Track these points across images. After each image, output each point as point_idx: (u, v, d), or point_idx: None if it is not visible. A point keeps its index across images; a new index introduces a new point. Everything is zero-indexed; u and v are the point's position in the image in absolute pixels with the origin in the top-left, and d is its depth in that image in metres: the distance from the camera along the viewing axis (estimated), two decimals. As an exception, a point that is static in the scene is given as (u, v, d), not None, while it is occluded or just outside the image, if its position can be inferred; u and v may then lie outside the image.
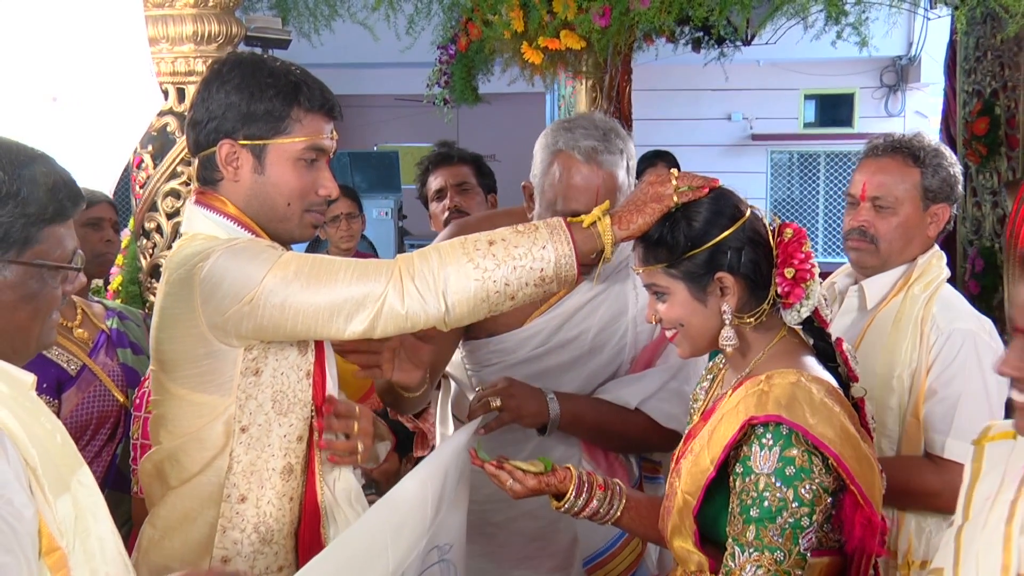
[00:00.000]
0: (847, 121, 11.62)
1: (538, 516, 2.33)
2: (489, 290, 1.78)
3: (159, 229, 3.44)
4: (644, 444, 2.41)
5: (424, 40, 5.37)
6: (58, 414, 2.64)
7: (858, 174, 2.39)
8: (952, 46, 4.93)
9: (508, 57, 4.67)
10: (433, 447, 2.60)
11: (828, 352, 1.83)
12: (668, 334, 1.86)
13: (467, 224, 2.39)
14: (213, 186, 1.91)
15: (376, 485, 3.05)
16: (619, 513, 1.94)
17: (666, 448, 2.19)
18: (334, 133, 1.93)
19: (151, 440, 1.97)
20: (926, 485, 2.22)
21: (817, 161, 12.05)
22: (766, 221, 1.82)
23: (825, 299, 1.83)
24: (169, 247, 3.29)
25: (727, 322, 1.77)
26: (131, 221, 3.57)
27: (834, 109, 11.73)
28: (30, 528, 1.30)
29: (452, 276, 1.77)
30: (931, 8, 4.68)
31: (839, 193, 11.56)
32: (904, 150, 2.34)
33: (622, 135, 2.23)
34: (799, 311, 1.77)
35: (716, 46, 5.34)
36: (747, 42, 5.16)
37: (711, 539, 1.75)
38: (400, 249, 8.75)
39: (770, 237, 1.79)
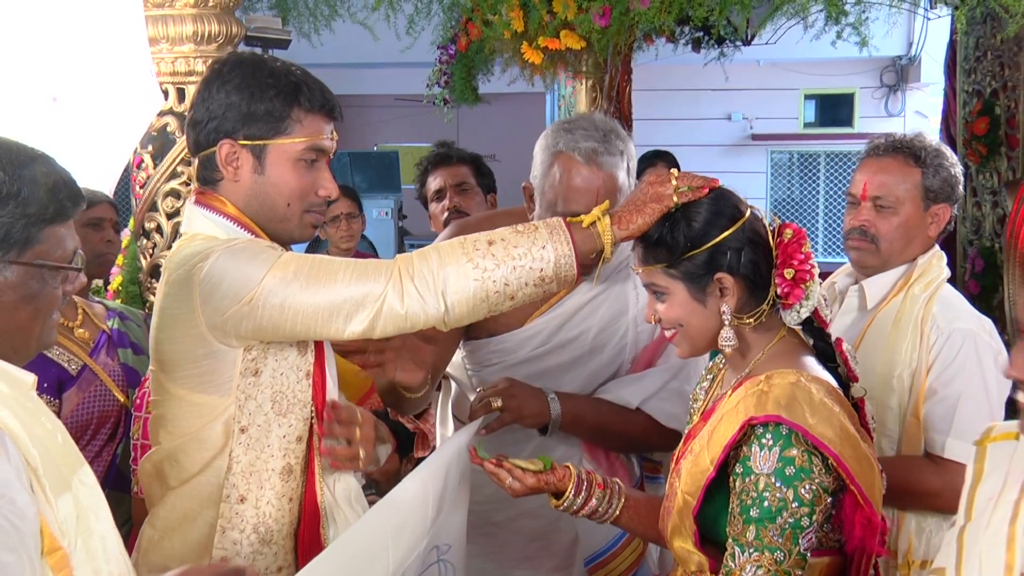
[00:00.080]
0: (847, 121, 11.61)
1: (539, 516, 2.33)
2: (488, 290, 1.78)
3: (159, 229, 3.44)
4: (645, 444, 2.41)
5: (424, 40, 5.37)
6: (59, 414, 2.65)
7: (859, 174, 2.39)
8: (952, 46, 4.92)
9: (508, 57, 4.67)
10: (434, 448, 2.60)
11: (828, 352, 1.83)
12: (667, 334, 1.86)
13: (467, 224, 2.39)
14: (213, 186, 1.91)
15: (376, 485, 3.05)
16: (618, 512, 1.94)
17: (667, 448, 2.19)
18: (334, 134, 1.93)
19: (151, 440, 1.97)
20: (926, 485, 2.22)
21: (817, 161, 12.05)
22: (766, 221, 1.82)
23: (825, 299, 1.83)
24: (169, 247, 3.29)
25: (726, 323, 1.77)
26: (131, 221, 3.57)
27: (834, 109, 11.73)
28: (32, 527, 1.30)
29: (451, 276, 1.77)
30: (931, 8, 4.67)
31: (839, 193, 11.57)
32: (905, 150, 2.35)
33: (622, 136, 2.23)
34: (799, 312, 1.77)
35: (716, 46, 5.33)
36: (747, 42, 5.15)
37: (711, 539, 1.75)
38: (400, 249, 8.74)
39: (770, 238, 1.79)
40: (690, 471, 1.76)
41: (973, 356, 2.23)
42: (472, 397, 2.31)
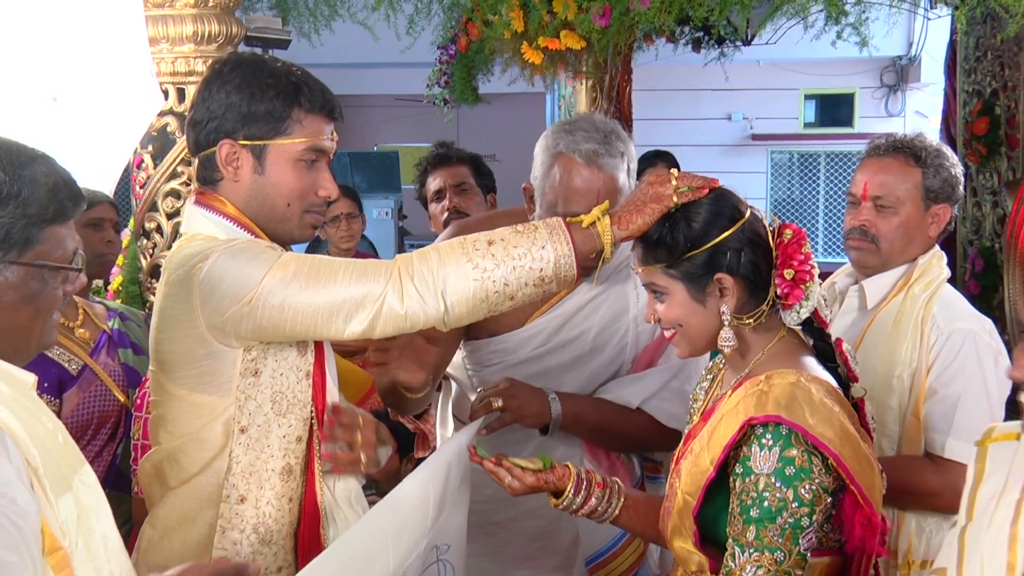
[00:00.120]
0: (847, 121, 11.61)
1: (540, 515, 2.33)
2: (488, 290, 1.78)
3: (159, 229, 3.44)
4: (646, 444, 2.41)
5: (424, 40, 5.36)
6: (59, 414, 2.65)
7: (859, 173, 2.39)
8: (952, 46, 4.92)
9: (508, 57, 4.67)
10: (434, 448, 2.60)
11: (828, 352, 1.83)
12: (667, 334, 1.86)
13: (468, 225, 2.39)
14: (213, 186, 1.91)
15: (376, 485, 3.04)
16: (617, 511, 1.94)
17: (668, 447, 2.19)
18: (334, 134, 1.94)
19: (150, 441, 1.97)
20: (926, 485, 2.23)
21: (817, 161, 12.05)
22: (766, 222, 1.81)
23: (825, 300, 1.83)
24: (169, 247, 3.29)
25: (726, 323, 1.77)
26: (131, 221, 3.57)
27: (834, 109, 11.72)
28: (33, 527, 1.30)
29: (451, 276, 1.77)
30: (931, 8, 4.67)
31: (839, 193, 11.56)
32: (906, 150, 2.35)
33: (623, 137, 2.23)
34: (798, 312, 1.77)
35: (716, 46, 5.33)
36: (747, 42, 5.15)
37: (711, 539, 1.75)
38: (400, 249, 8.74)
39: (770, 238, 1.79)
40: (690, 471, 1.76)
41: (973, 356, 2.23)
42: (473, 397, 2.31)
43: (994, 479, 1.47)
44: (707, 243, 1.76)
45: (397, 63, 6.58)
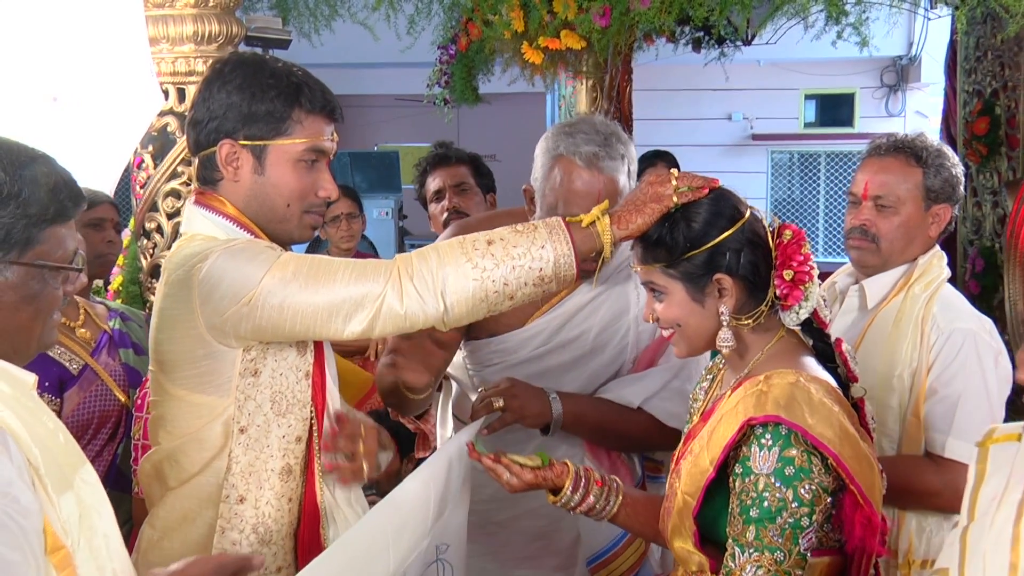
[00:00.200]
0: (847, 121, 11.61)
1: (541, 515, 2.33)
2: (488, 290, 1.78)
3: (159, 229, 3.44)
4: (647, 443, 2.41)
5: (424, 40, 5.36)
6: (60, 413, 2.66)
7: (860, 173, 2.40)
8: (952, 46, 4.92)
9: (508, 57, 4.67)
10: (434, 448, 2.60)
11: (827, 353, 1.83)
12: (665, 333, 1.86)
13: (468, 225, 2.39)
14: (213, 186, 1.91)
15: (376, 485, 3.04)
16: (615, 509, 1.94)
17: (669, 447, 2.19)
18: (335, 135, 1.94)
19: (150, 441, 1.97)
20: (927, 484, 2.23)
21: (817, 161, 12.05)
22: (765, 222, 1.81)
23: (824, 300, 1.83)
24: (170, 247, 3.29)
25: (724, 323, 1.77)
26: (132, 221, 3.57)
27: (834, 109, 11.72)
28: (36, 525, 1.31)
29: (451, 276, 1.77)
30: (931, 8, 4.67)
31: (840, 193, 11.56)
32: (907, 150, 2.35)
33: (623, 139, 2.23)
34: (797, 313, 1.77)
35: (716, 46, 5.33)
36: (747, 42, 5.15)
37: (711, 539, 1.75)
38: (400, 249, 8.74)
39: (769, 239, 1.78)
40: (690, 472, 1.76)
41: (973, 356, 2.23)
42: (473, 397, 2.31)
43: (995, 480, 1.47)
44: (707, 243, 1.76)
45: (397, 63, 6.58)
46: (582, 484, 1.92)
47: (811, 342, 1.84)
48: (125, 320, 2.99)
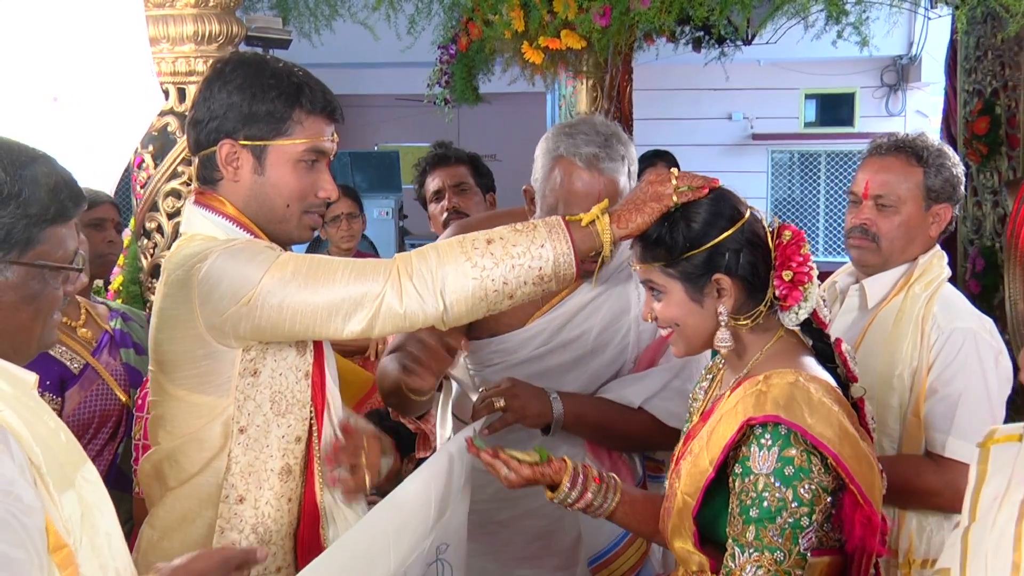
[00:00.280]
0: (848, 121, 11.60)
1: (542, 515, 2.33)
2: (487, 289, 1.78)
3: (160, 229, 3.44)
4: (648, 443, 2.41)
5: (424, 40, 5.36)
6: (60, 412, 2.66)
7: (861, 172, 2.40)
8: (953, 45, 4.92)
9: (509, 57, 4.66)
10: (434, 448, 2.60)
11: (827, 353, 1.82)
12: (663, 332, 1.86)
13: (469, 225, 2.40)
14: (212, 186, 1.91)
15: (377, 486, 3.04)
16: (613, 507, 1.94)
17: (670, 447, 2.19)
18: (335, 135, 1.93)
19: (150, 441, 1.97)
20: (927, 484, 2.23)
21: (818, 161, 12.04)
22: (765, 222, 1.81)
23: (824, 300, 1.83)
24: (170, 247, 3.29)
25: (723, 324, 1.77)
26: (132, 221, 3.58)
27: (835, 109, 11.71)
28: (38, 524, 1.31)
29: (450, 275, 1.77)
30: (932, 8, 4.67)
31: (840, 193, 11.55)
32: (908, 149, 2.35)
33: (623, 140, 2.23)
34: (796, 314, 1.77)
35: (716, 46, 5.32)
36: (747, 42, 5.14)
37: (711, 540, 1.75)
38: (401, 249, 8.71)
39: (769, 239, 1.78)
40: (689, 472, 1.76)
41: (974, 355, 2.23)
42: (474, 397, 2.31)
43: (997, 480, 1.47)
44: (706, 243, 1.76)
45: (397, 63, 6.57)
46: (580, 481, 1.92)
47: (811, 342, 1.84)
48: (126, 320, 3.00)
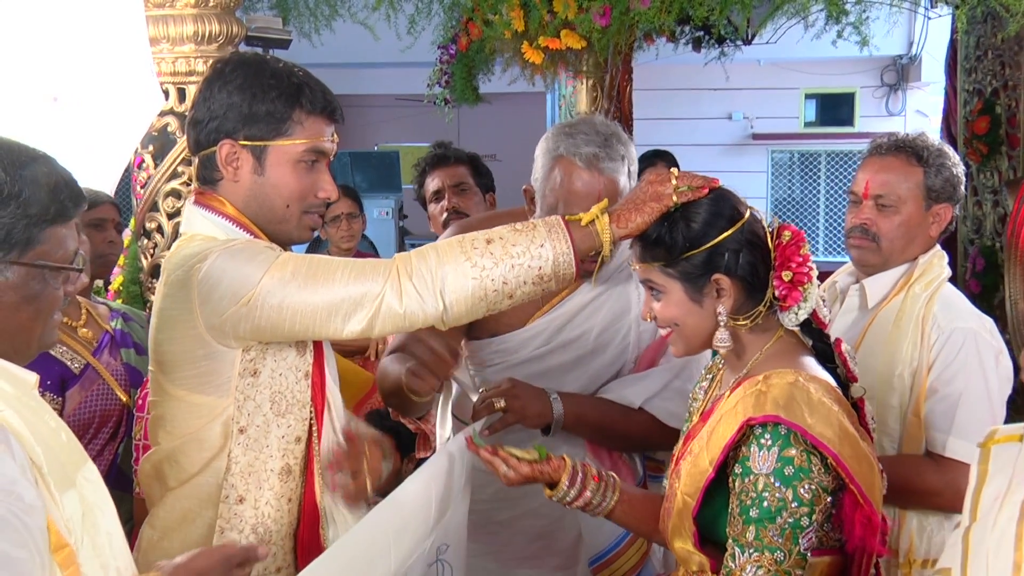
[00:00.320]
0: (848, 120, 11.59)
1: (542, 515, 2.33)
2: (487, 288, 1.78)
3: (160, 229, 3.44)
4: (648, 443, 2.41)
5: (424, 40, 5.36)
6: (61, 412, 2.66)
7: (861, 172, 2.40)
8: (953, 45, 4.93)
9: (508, 57, 4.67)
10: (434, 449, 2.60)
11: (827, 353, 1.82)
12: (662, 332, 1.86)
13: (468, 225, 2.39)
14: (212, 186, 1.91)
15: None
16: (612, 505, 1.93)
17: (670, 447, 2.19)
18: (335, 136, 1.93)
19: (150, 441, 1.97)
20: (927, 484, 2.23)
21: (818, 160, 12.04)
22: (765, 222, 1.81)
23: (824, 300, 1.83)
24: (170, 247, 3.29)
25: (722, 324, 1.77)
26: (132, 221, 3.58)
27: (835, 108, 11.70)
28: (40, 523, 1.31)
29: (450, 275, 1.77)
30: (932, 7, 4.67)
31: (840, 192, 11.55)
32: (908, 149, 2.35)
33: (623, 140, 2.23)
34: (796, 314, 1.76)
35: (716, 46, 5.32)
36: (747, 41, 5.15)
37: (711, 540, 1.75)
38: (401, 249, 8.66)
39: (768, 239, 1.78)
40: (689, 472, 1.76)
41: (974, 355, 2.23)
42: (474, 397, 2.31)
43: (997, 480, 1.47)
44: (706, 243, 1.76)
45: (397, 63, 6.57)
46: (579, 479, 1.92)
47: (810, 342, 1.84)
48: (127, 320, 3.00)
